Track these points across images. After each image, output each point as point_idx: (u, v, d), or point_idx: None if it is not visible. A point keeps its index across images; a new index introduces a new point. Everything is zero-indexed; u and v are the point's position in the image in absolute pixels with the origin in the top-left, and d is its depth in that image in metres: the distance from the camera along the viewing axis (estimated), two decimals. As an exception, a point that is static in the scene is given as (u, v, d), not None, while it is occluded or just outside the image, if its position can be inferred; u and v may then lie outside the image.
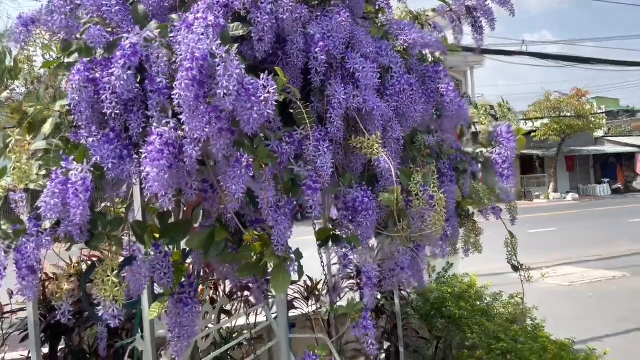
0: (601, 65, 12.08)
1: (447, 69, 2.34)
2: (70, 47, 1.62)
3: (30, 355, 3.43)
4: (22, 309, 3.56)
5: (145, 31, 1.47)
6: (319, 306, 4.28)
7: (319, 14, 1.83)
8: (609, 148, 33.19)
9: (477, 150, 2.74)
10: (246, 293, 4.11)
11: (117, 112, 1.50)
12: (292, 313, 4.38)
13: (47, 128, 1.60)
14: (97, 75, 1.52)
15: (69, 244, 1.48)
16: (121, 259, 1.62)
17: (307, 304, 4.31)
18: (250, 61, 1.72)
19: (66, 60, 1.62)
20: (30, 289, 1.43)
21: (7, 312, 3.56)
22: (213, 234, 1.72)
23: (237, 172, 1.48)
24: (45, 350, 3.48)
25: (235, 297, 4.05)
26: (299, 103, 1.57)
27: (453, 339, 4.26)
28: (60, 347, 3.53)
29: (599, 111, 33.06)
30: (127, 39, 1.42)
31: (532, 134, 28.74)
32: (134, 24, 1.59)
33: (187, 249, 2.31)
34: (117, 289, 1.40)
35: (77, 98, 1.49)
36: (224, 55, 1.34)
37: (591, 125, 30.17)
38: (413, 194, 1.80)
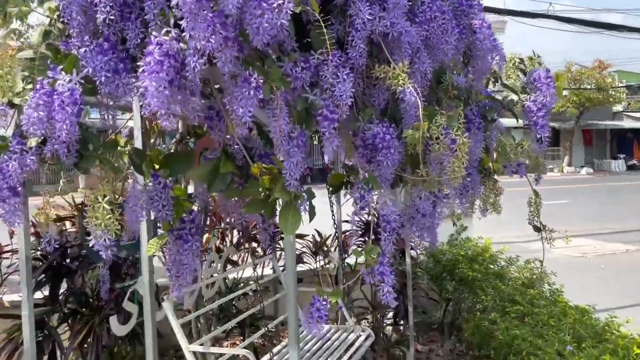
0: (631, 33, 11.57)
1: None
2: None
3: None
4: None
5: None
6: (327, 262, 4.17)
7: None
8: (627, 123, 32.44)
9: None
10: (253, 244, 4.00)
11: (112, 18, 1.33)
12: (300, 268, 4.27)
13: (34, 37, 1.42)
14: (91, -25, 1.34)
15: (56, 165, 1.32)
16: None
17: (315, 260, 4.20)
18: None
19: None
20: (12, 213, 1.29)
21: (7, 252, 3.47)
22: (218, 166, 1.56)
23: (245, 92, 1.31)
24: (47, 293, 3.41)
25: (242, 247, 3.94)
26: (317, 16, 1.37)
27: (464, 301, 4.14)
28: (62, 290, 3.46)
29: (620, 85, 32.17)
30: None
31: (550, 106, 28.09)
32: None
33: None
34: (108, 216, 1.25)
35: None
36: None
37: (611, 99, 29.43)
38: (434, 138, 1.61)
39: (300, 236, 4.13)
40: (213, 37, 1.22)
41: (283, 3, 1.22)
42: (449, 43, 1.75)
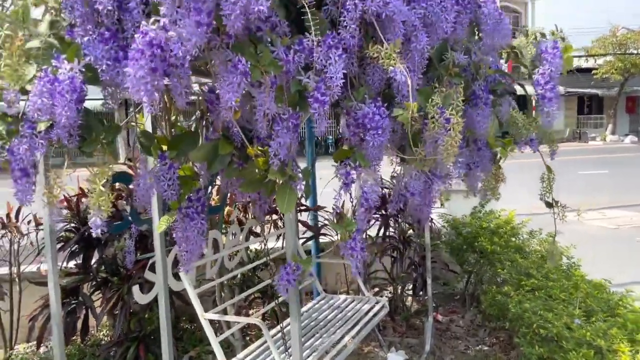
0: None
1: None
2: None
3: (64, 264, 3.58)
4: (59, 221, 3.68)
5: None
6: (347, 234, 4.24)
7: None
8: (676, 90, 30.90)
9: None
10: (274, 217, 4.11)
11: (110, 8, 1.40)
12: (322, 239, 4.37)
13: (43, 27, 1.51)
14: (90, -33, 1.41)
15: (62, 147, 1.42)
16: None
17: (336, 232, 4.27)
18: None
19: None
20: (24, 192, 1.40)
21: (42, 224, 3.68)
22: (217, 147, 1.63)
23: (233, 78, 1.37)
24: (80, 262, 3.61)
25: (264, 220, 4.06)
26: (304, 3, 1.41)
27: (484, 273, 4.17)
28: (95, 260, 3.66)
29: (670, 49, 30.52)
30: None
31: (593, 72, 27.09)
32: None
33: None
34: (102, 198, 1.35)
35: (67, -8, 1.38)
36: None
37: (658, 65, 28.03)
38: (429, 117, 1.64)
39: (320, 208, 4.21)
40: (193, 26, 1.27)
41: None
42: (448, 21, 1.76)
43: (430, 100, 1.69)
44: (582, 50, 29.55)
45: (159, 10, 1.36)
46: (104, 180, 1.35)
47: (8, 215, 3.80)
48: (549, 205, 2.74)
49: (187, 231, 1.72)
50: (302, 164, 1.66)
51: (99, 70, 1.40)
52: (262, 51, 1.46)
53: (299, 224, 4.07)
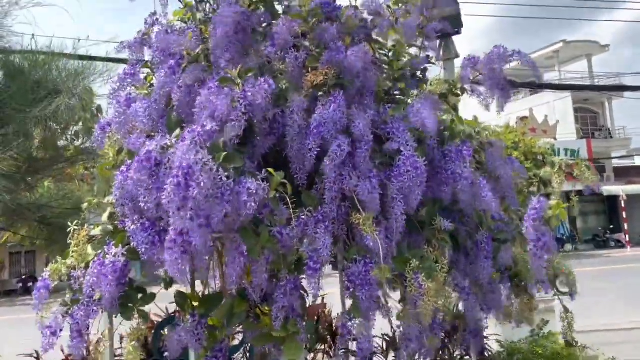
0: None
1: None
2: (122, 151, 2.04)
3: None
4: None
5: (164, 139, 1.82)
6: (398, 361, 4.32)
7: (325, 103, 2.04)
8: None
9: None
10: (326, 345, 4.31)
11: (150, 205, 1.86)
12: (377, 366, 4.46)
13: (104, 217, 2.02)
14: (137, 175, 1.90)
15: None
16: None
17: (387, 358, 4.38)
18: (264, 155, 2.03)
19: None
20: (76, 348, 1.81)
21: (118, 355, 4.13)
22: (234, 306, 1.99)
23: (233, 258, 1.75)
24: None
25: (315, 349, 4.26)
26: (285, 195, 1.81)
27: (540, 404, 4.04)
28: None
29: None
30: (145, 147, 1.78)
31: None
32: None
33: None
34: (132, 356, 1.73)
35: (118, 194, 1.88)
36: (204, 164, 1.64)
37: None
38: (407, 280, 1.91)
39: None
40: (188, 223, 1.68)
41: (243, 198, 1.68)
42: (419, 193, 2.04)
43: (408, 264, 1.95)
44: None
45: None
46: (133, 342, 1.74)
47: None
48: (569, 344, 2.79)
49: (210, 376, 2.03)
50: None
51: (140, 252, 1.85)
52: (262, 231, 1.84)
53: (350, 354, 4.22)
